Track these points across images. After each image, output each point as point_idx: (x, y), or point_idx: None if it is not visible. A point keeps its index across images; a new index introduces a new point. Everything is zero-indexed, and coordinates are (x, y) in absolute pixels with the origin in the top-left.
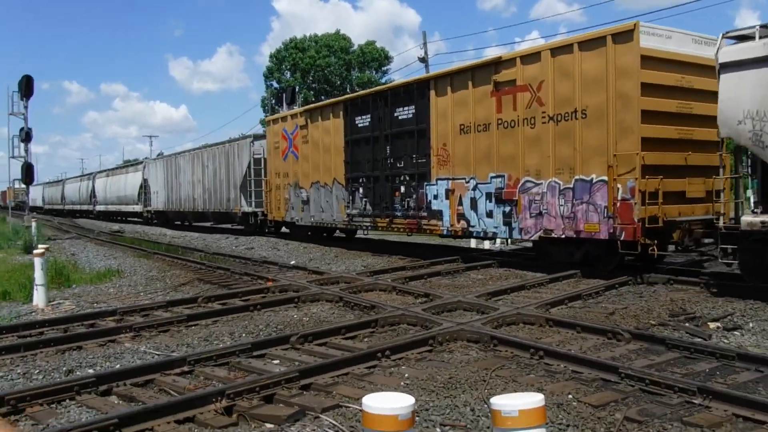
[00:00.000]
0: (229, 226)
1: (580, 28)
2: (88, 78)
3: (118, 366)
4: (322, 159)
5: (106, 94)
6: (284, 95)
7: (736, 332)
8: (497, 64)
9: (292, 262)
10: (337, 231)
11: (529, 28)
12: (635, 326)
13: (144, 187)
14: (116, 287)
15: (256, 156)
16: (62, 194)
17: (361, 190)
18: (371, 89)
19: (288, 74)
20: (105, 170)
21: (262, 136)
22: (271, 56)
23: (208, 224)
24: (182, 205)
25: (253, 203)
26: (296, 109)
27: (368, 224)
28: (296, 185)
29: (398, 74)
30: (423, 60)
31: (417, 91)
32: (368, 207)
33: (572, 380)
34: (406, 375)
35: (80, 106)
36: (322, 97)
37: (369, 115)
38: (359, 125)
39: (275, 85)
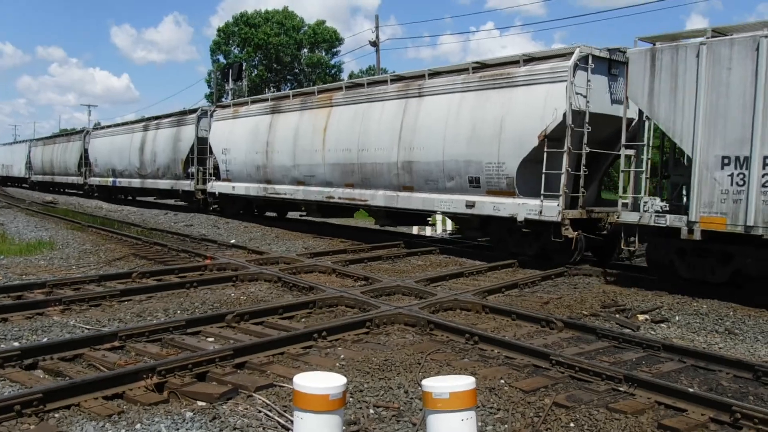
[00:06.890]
0: None
1: (536, 21)
2: (23, 39)
3: (45, 339)
4: None
5: (43, 58)
6: (230, 71)
7: (662, 324)
8: None
9: (232, 241)
10: None
11: (485, 18)
12: (568, 316)
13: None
14: (47, 260)
15: None
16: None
17: None
18: None
19: (236, 50)
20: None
21: None
22: (219, 30)
23: None
24: None
25: None
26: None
27: None
28: None
29: (350, 56)
30: (374, 44)
31: None
32: None
33: (505, 365)
34: (342, 356)
35: (14, 69)
36: (269, 75)
37: None
38: None
39: (222, 59)
